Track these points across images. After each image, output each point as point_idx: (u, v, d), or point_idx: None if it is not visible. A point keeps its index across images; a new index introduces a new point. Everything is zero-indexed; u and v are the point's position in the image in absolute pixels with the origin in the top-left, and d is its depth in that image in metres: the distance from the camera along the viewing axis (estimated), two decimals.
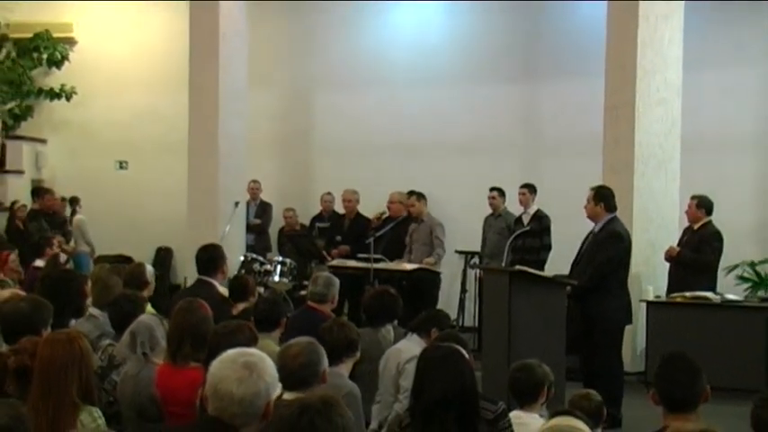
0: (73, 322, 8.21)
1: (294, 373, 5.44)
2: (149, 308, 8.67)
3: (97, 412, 5.62)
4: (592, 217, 11.68)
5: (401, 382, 7.73)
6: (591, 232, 11.77)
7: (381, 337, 8.67)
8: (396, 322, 9.14)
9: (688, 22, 14.73)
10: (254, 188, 18.73)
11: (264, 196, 19.04)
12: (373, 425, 7.73)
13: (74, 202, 19.15)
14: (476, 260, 16.81)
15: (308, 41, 19.54)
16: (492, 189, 16.15)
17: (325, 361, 6.29)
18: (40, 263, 14.38)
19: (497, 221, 15.95)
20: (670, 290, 13.73)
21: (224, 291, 10.20)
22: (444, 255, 15.96)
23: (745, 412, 5.20)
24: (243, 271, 15.16)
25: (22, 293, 8.63)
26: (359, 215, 17.84)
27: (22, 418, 4.34)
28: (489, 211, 16.26)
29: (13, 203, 18.80)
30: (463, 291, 17.13)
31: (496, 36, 18.01)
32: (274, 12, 19.12)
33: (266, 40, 18.84)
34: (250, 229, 18.41)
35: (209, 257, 10.52)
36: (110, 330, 8.11)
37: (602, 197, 11.65)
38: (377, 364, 8.11)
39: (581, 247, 11.89)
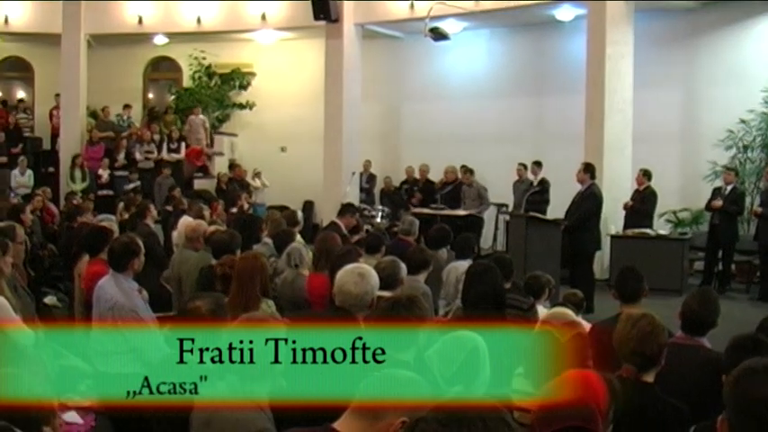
0: (254, 247, 8.34)
1: (383, 278, 5.46)
2: (299, 238, 8.78)
3: (270, 302, 5.73)
4: (581, 181, 11.88)
5: (459, 286, 7.71)
6: (579, 192, 11.93)
7: (439, 256, 8.65)
8: (449, 247, 9.11)
9: (637, 59, 14.69)
10: (366, 165, 18.83)
11: (372, 170, 19.10)
12: (441, 312, 7.76)
13: (257, 174, 19.37)
14: (504, 209, 16.74)
15: (399, 69, 19.44)
16: (519, 164, 16.14)
17: (404, 271, 6.30)
18: (233, 210, 14.62)
19: (522, 185, 15.83)
20: (625, 227, 13.78)
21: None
22: (488, 208, 15.95)
23: (670, 303, 5.20)
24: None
25: (222, 228, 8.77)
26: (428, 180, 17.94)
27: (222, 305, 4.43)
28: (515, 178, 16.19)
29: (218, 174, 19.13)
30: (496, 228, 17.03)
31: (518, 66, 17.78)
32: (377, 50, 19.02)
33: (372, 69, 18.76)
34: (362, 189, 18.52)
35: (343, 207, 10.83)
36: (275, 252, 8.25)
37: (589, 169, 11.92)
38: (439, 274, 8.09)
39: (572, 201, 12.02)
